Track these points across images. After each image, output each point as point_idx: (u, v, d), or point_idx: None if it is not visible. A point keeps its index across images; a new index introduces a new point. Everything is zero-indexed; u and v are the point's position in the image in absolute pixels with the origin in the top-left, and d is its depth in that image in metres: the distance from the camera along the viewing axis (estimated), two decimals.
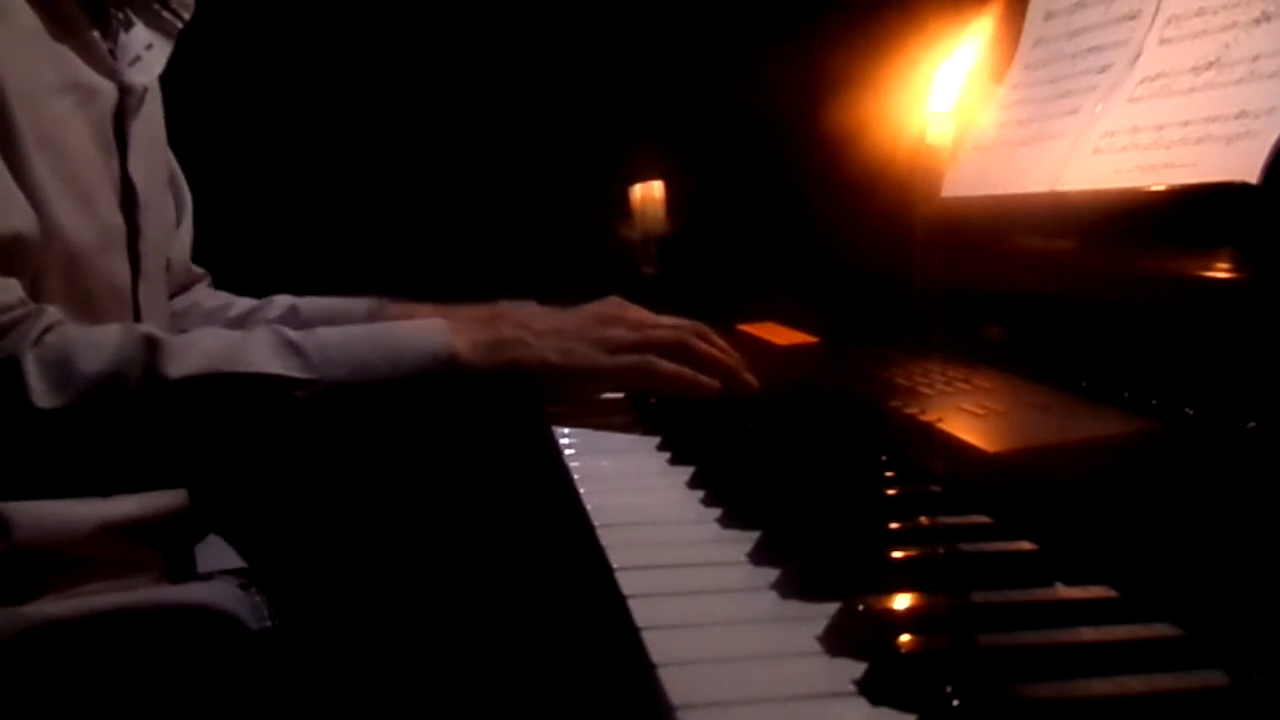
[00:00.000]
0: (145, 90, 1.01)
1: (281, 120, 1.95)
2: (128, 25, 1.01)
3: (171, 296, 1.19)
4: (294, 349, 0.83)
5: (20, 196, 0.85)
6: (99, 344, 0.80)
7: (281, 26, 1.90)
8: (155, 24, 1.03)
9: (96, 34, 0.97)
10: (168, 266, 1.11)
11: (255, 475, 0.90)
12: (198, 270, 1.28)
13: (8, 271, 0.83)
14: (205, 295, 1.29)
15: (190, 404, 0.80)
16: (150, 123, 1.06)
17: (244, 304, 1.29)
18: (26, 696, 0.84)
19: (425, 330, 0.87)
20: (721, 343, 0.97)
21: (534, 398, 0.92)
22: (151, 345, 0.80)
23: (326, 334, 0.86)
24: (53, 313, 0.82)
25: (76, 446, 0.79)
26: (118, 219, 0.97)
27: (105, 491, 0.90)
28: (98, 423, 0.78)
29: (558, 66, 2.04)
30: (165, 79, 1.06)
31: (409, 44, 2.02)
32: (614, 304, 0.97)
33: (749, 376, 0.97)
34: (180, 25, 1.05)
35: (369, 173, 2.01)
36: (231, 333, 0.88)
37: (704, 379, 0.93)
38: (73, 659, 0.87)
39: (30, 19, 0.90)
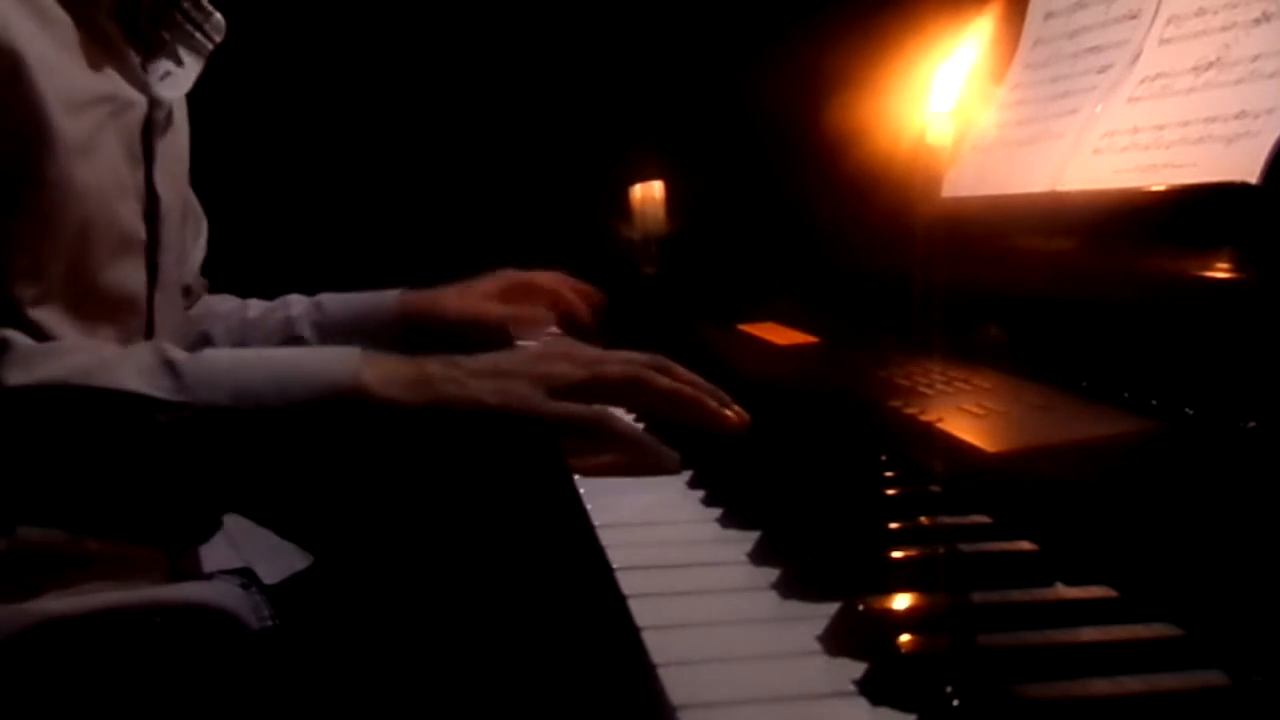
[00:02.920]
0: (173, 106, 1.04)
1: (281, 124, 1.95)
2: (160, 43, 1.03)
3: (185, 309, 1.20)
4: (170, 370, 0.76)
5: None
6: None
7: (282, 29, 1.90)
8: (188, 44, 1.05)
9: (131, 49, 0.99)
10: (186, 289, 1.13)
11: (125, 499, 0.78)
12: (202, 279, 1.29)
13: None
14: (217, 300, 1.30)
15: (31, 416, 0.74)
16: (176, 138, 1.08)
17: (260, 304, 1.30)
18: (27, 693, 0.84)
19: (332, 360, 0.80)
20: (686, 373, 0.85)
21: (468, 439, 0.83)
22: (1, 349, 0.75)
23: (217, 357, 0.82)
24: None
25: None
26: (140, 229, 0.99)
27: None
28: None
29: (558, 67, 2.04)
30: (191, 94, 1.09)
31: (410, 45, 2.03)
32: (564, 342, 0.93)
33: (725, 410, 0.84)
34: (211, 47, 1.08)
35: (369, 174, 2.01)
36: (113, 350, 0.83)
37: (665, 450, 0.81)
38: (73, 657, 0.87)
39: (70, 31, 0.92)
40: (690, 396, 0.83)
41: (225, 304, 1.31)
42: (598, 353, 0.86)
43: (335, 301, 1.28)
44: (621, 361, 0.84)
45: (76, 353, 0.78)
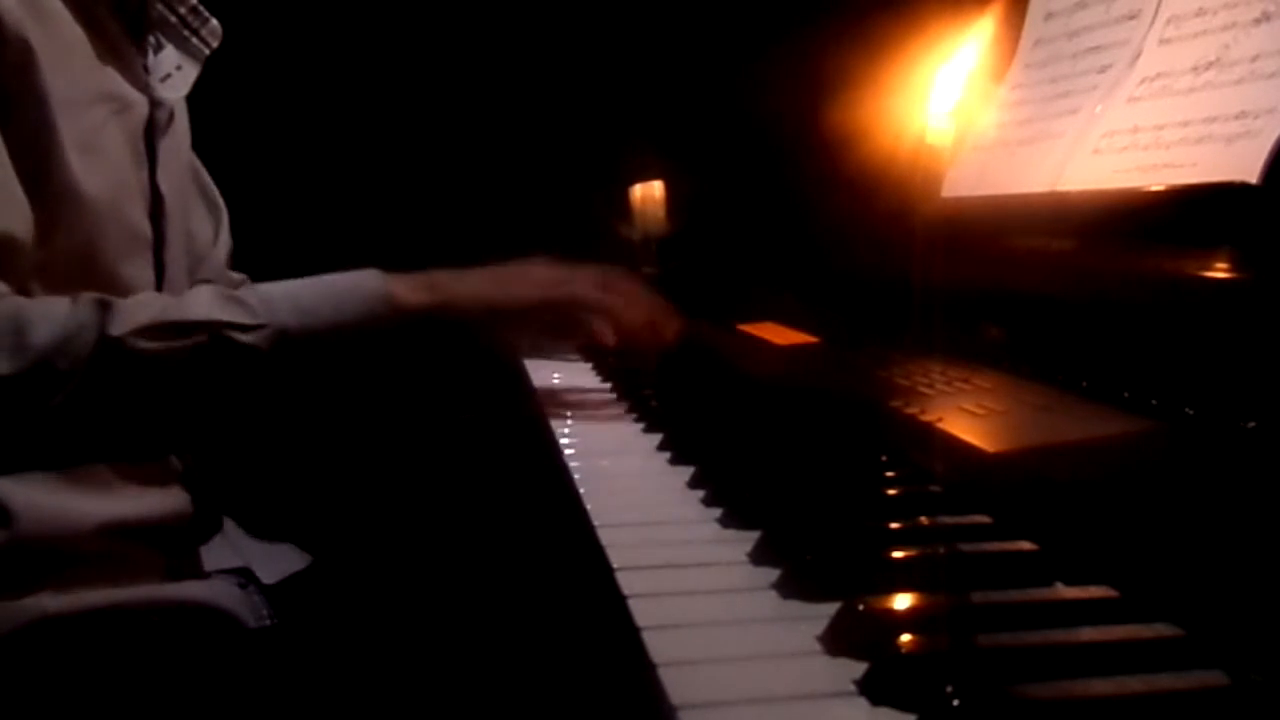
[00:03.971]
0: (174, 107, 1.06)
1: (282, 125, 1.95)
2: (158, 48, 1.05)
3: None
4: (236, 300, 0.86)
5: (18, 196, 0.86)
6: (50, 311, 0.81)
7: (284, 31, 1.90)
8: (184, 48, 1.07)
9: (134, 50, 1.01)
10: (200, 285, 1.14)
11: (220, 433, 0.92)
12: (236, 276, 1.29)
13: None
14: None
15: (140, 358, 0.81)
16: (177, 139, 1.09)
17: None
18: (23, 691, 0.84)
19: (362, 277, 0.91)
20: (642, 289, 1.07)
21: (469, 332, 0.96)
22: (103, 307, 0.82)
23: (268, 287, 0.90)
24: (2, 287, 0.83)
25: (36, 411, 0.80)
26: (145, 226, 1.00)
27: (72, 461, 0.90)
28: (52, 385, 0.79)
29: (558, 67, 2.04)
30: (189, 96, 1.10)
31: (410, 45, 2.03)
32: (545, 259, 1.04)
33: (667, 326, 1.06)
34: (208, 51, 1.09)
35: (370, 174, 2.01)
36: (171, 297, 0.90)
37: (605, 332, 1.00)
38: (70, 654, 0.87)
39: (75, 31, 0.93)
40: (644, 303, 1.05)
41: None
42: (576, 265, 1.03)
43: None
44: (592, 268, 1.03)
45: (154, 300, 0.87)
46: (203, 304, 0.85)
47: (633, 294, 1.04)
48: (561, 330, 1.06)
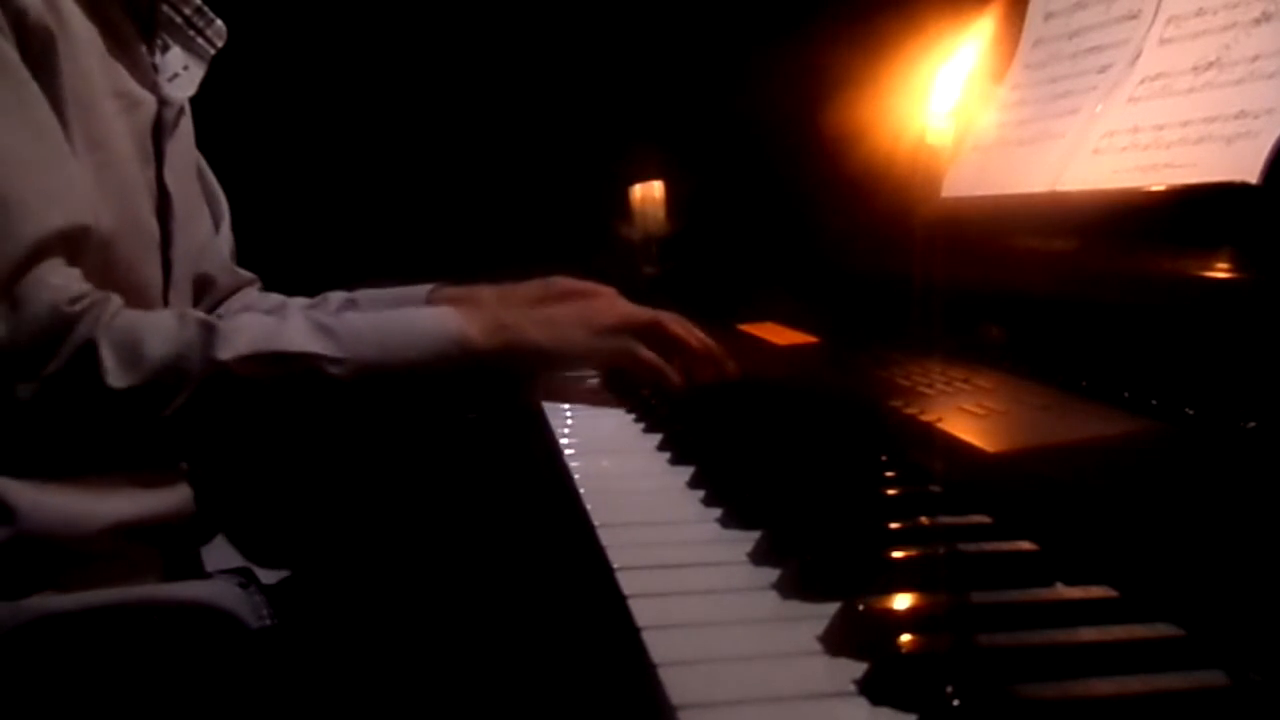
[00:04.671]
0: (181, 106, 1.06)
1: (288, 127, 1.95)
2: (165, 48, 1.06)
3: (221, 301, 1.24)
4: (326, 330, 0.89)
5: (87, 190, 0.89)
6: (162, 328, 0.85)
7: (288, 34, 1.90)
8: (190, 48, 1.08)
9: (143, 49, 1.02)
10: (203, 279, 1.17)
11: (295, 456, 0.98)
12: (245, 274, 1.30)
13: (72, 262, 0.87)
14: (259, 298, 1.31)
15: (241, 383, 0.85)
16: (184, 138, 1.10)
17: (299, 303, 1.30)
18: (24, 690, 0.84)
19: (440, 315, 0.95)
20: (699, 333, 1.06)
21: (524, 378, 1.00)
22: (208, 329, 0.86)
23: (353, 318, 0.94)
24: (117, 299, 0.86)
25: (141, 424, 0.84)
26: (153, 225, 1.00)
27: (158, 465, 0.96)
28: (161, 401, 0.83)
29: (558, 67, 2.04)
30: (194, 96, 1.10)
31: (410, 45, 2.03)
32: (607, 295, 1.06)
33: (727, 363, 1.06)
34: (213, 51, 1.10)
35: (371, 174, 2.01)
36: (268, 318, 0.93)
37: (671, 373, 1.01)
38: (71, 654, 0.87)
39: (87, 28, 0.94)
40: (699, 347, 1.05)
41: (267, 301, 1.31)
42: (629, 304, 1.06)
43: (366, 298, 1.29)
44: (647, 310, 1.04)
45: (251, 324, 0.89)
46: (299, 334, 0.88)
47: (693, 337, 1.05)
48: (626, 372, 1.06)
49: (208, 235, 1.21)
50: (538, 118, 2.06)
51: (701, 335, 1.05)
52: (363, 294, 1.30)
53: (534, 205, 2.02)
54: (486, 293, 1.30)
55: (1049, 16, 1.12)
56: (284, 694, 0.88)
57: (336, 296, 1.29)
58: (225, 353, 0.85)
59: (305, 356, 0.87)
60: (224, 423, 0.87)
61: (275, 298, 1.32)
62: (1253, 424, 0.65)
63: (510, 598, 1.04)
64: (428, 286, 1.26)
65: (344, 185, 2.00)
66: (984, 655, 0.48)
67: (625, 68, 1.98)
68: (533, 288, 1.28)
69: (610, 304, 1.05)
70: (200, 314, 0.89)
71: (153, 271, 1.00)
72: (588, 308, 1.03)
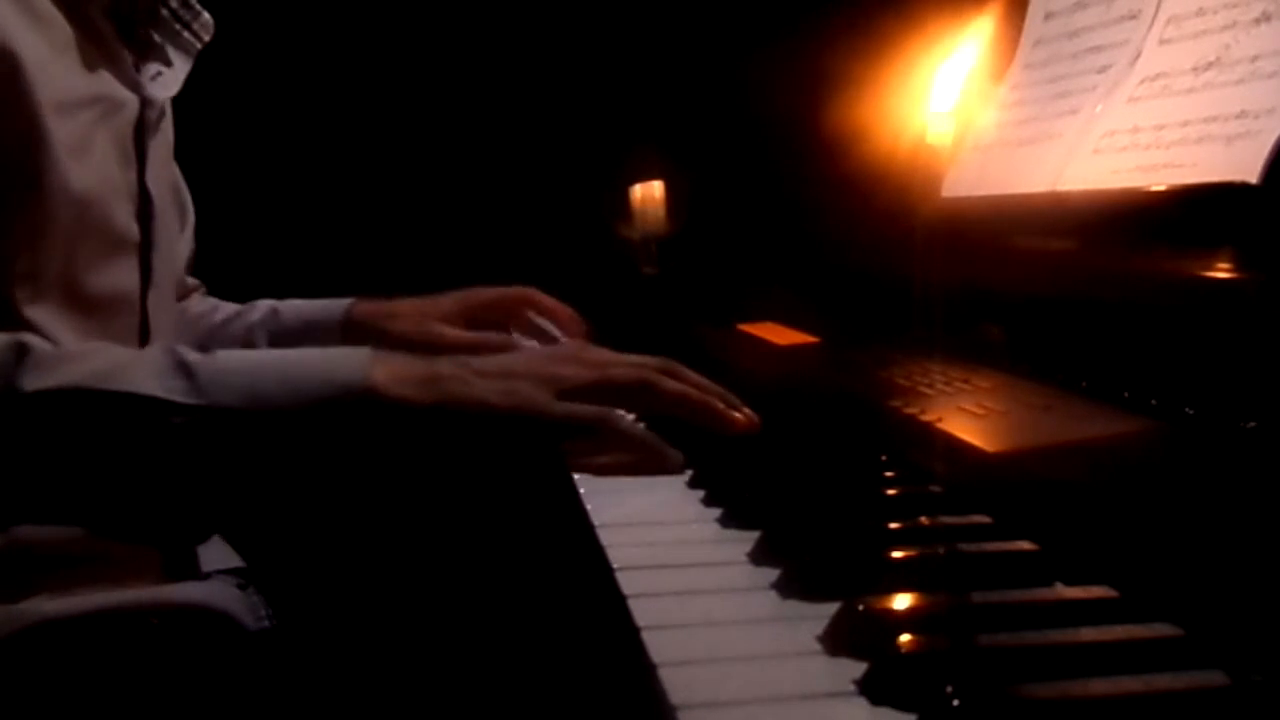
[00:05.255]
0: (164, 106, 1.04)
1: (280, 124, 1.95)
2: (149, 44, 1.03)
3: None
4: (184, 371, 0.76)
5: None
6: None
7: (281, 31, 1.90)
8: (176, 43, 1.05)
9: (125, 49, 0.99)
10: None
11: (137, 499, 0.78)
12: (192, 281, 1.29)
13: None
14: (193, 302, 1.30)
15: (47, 420, 0.74)
16: (165, 137, 1.08)
17: (228, 308, 1.30)
18: (22, 695, 0.84)
19: (342, 360, 0.79)
20: (694, 377, 0.84)
21: (475, 442, 0.81)
22: (19, 354, 0.74)
23: (229, 358, 0.80)
24: None
25: None
26: (133, 229, 0.98)
27: None
28: None
29: (558, 67, 2.04)
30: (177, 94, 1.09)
31: (410, 45, 2.03)
32: (574, 345, 0.93)
33: (734, 412, 0.83)
34: (200, 46, 1.07)
35: (369, 175, 2.01)
36: (133, 352, 0.83)
37: (669, 450, 0.81)
38: (69, 657, 0.87)
39: (66, 31, 0.92)
40: (698, 400, 0.82)
41: (197, 307, 1.30)
42: (607, 355, 0.84)
43: (289, 309, 1.26)
44: (630, 365, 0.83)
45: (93, 356, 0.77)
46: (143, 374, 0.75)
47: (693, 392, 0.83)
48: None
49: (179, 239, 1.20)
50: (537, 117, 2.06)
51: (703, 383, 0.84)
52: (287, 304, 1.28)
53: (534, 205, 2.02)
54: (404, 306, 1.24)
55: (1049, 16, 1.12)
56: (283, 695, 0.88)
57: (264, 304, 1.28)
58: (32, 383, 0.73)
59: (142, 400, 0.74)
60: (29, 460, 0.74)
61: (210, 301, 1.32)
62: (1253, 424, 0.65)
63: (510, 598, 1.04)
64: (348, 301, 1.23)
65: (339, 184, 2.00)
66: (984, 655, 0.48)
67: (625, 68, 1.98)
68: (451, 301, 1.22)
69: (581, 354, 0.84)
70: (26, 338, 0.76)
71: (131, 276, 0.98)
72: (552, 357, 0.84)
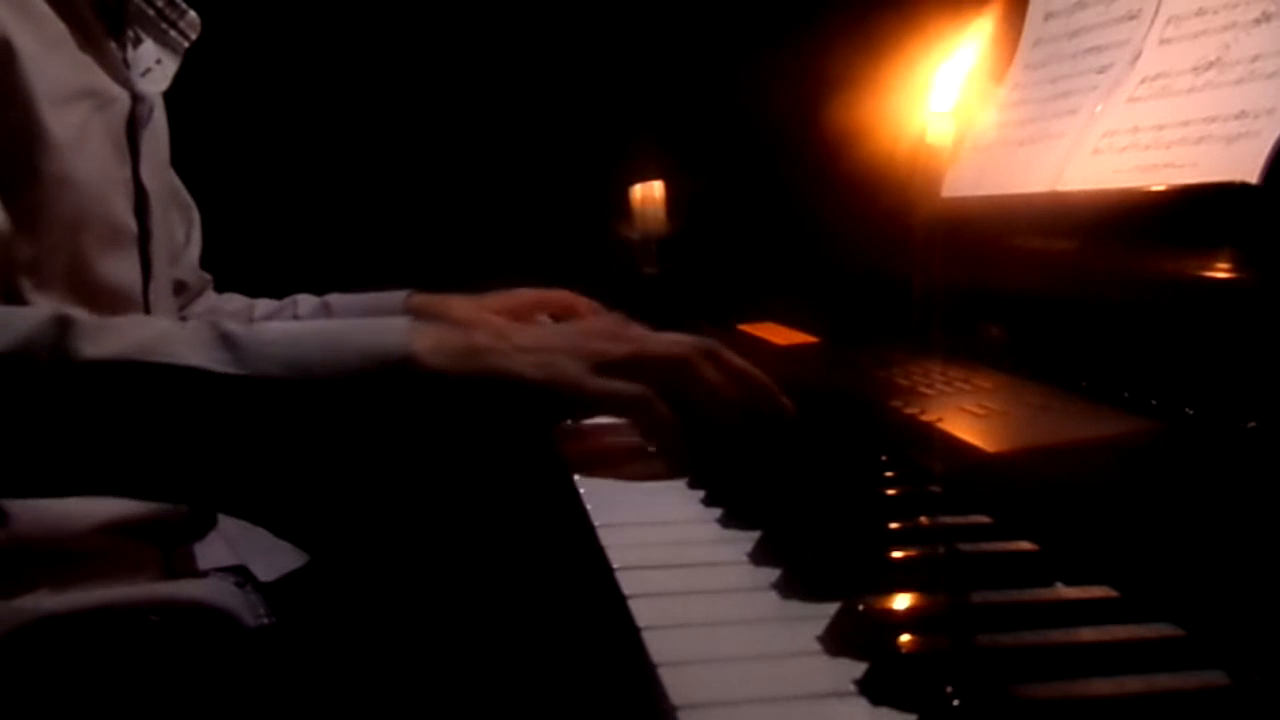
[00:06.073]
0: (154, 102, 1.05)
1: (280, 124, 1.95)
2: (137, 41, 1.04)
3: (187, 305, 1.22)
4: (228, 343, 0.75)
5: None
6: (9, 323, 0.74)
7: (280, 30, 1.90)
8: (163, 41, 1.06)
9: (114, 44, 1.00)
10: (176, 284, 1.14)
11: (188, 473, 0.78)
12: (205, 275, 1.30)
13: None
14: (224, 299, 1.31)
15: (98, 390, 0.73)
16: (158, 133, 1.09)
17: (266, 305, 1.30)
18: (20, 692, 0.84)
19: (381, 330, 0.78)
20: (740, 363, 0.82)
21: (510, 421, 0.79)
22: (64, 325, 0.74)
23: (272, 330, 0.80)
24: None
25: None
26: (131, 222, 0.99)
27: (16, 492, 0.83)
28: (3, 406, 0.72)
29: (558, 67, 2.03)
30: (166, 93, 1.09)
31: (409, 44, 2.02)
32: (613, 320, 0.90)
33: (782, 398, 0.83)
34: (187, 44, 1.08)
35: (368, 173, 2.01)
36: (176, 324, 0.81)
37: (684, 450, 0.78)
38: (67, 655, 0.87)
39: (57, 26, 0.93)
40: (733, 393, 0.80)
41: (232, 303, 1.31)
42: (644, 331, 0.83)
43: (342, 302, 1.28)
44: (670, 341, 0.81)
45: (137, 327, 0.77)
46: (187, 345, 0.75)
47: (736, 372, 0.82)
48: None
49: (180, 241, 1.21)
50: (537, 117, 2.06)
51: (747, 368, 0.83)
52: (334, 298, 1.29)
53: (533, 205, 2.02)
54: (457, 303, 1.24)
55: (1049, 16, 1.12)
56: (283, 694, 0.88)
57: (307, 300, 1.29)
58: (84, 353, 0.72)
59: (187, 371, 0.73)
60: (83, 430, 0.74)
61: (242, 299, 1.32)
62: (1253, 424, 0.65)
63: (510, 597, 1.04)
64: (404, 292, 1.25)
65: (340, 183, 2.00)
66: (984, 655, 0.48)
67: (625, 67, 1.98)
68: (496, 301, 1.22)
69: (619, 329, 0.82)
70: (66, 310, 0.76)
71: (129, 269, 0.99)
72: (589, 332, 0.82)
